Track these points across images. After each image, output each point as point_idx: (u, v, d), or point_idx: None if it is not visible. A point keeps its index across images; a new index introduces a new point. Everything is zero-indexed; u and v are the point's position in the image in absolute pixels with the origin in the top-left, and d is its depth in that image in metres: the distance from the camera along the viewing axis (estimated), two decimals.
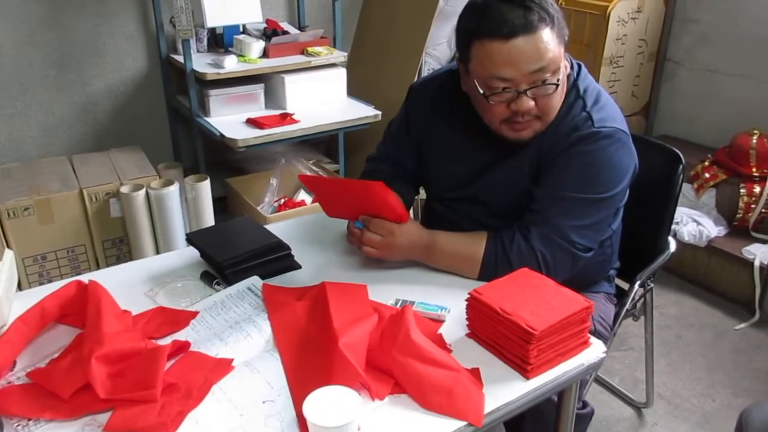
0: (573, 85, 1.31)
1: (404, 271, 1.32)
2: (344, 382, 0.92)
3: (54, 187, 2.36)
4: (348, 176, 3.04)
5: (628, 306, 1.62)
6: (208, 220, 2.50)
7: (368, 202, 1.27)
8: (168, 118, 3.06)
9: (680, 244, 2.55)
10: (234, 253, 1.29)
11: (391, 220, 1.28)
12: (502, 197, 1.36)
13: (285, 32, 2.92)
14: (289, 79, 2.71)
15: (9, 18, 2.58)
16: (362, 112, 2.76)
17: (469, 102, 1.33)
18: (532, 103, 1.23)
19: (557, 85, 1.22)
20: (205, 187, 2.45)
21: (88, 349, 0.99)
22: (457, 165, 1.41)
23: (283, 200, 2.76)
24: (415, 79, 2.81)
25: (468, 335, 1.12)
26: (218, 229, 1.49)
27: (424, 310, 1.16)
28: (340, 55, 2.86)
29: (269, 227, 1.43)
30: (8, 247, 2.26)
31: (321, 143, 3.33)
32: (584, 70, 1.35)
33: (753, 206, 2.56)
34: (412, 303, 1.17)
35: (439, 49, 3.06)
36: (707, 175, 2.70)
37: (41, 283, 2.35)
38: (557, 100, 1.26)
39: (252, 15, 2.69)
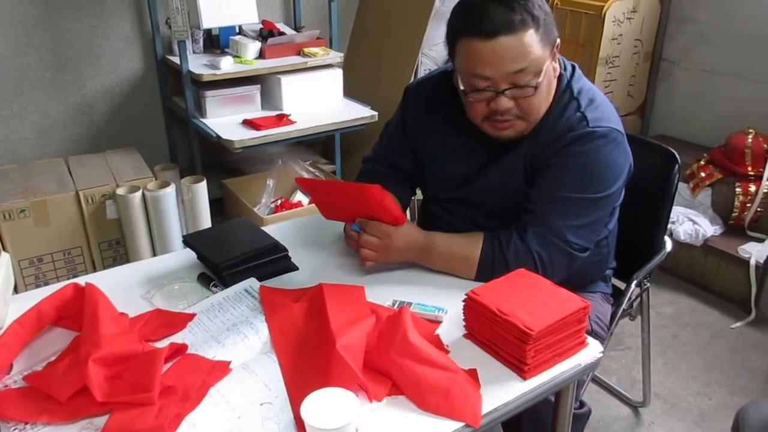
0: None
1: (401, 273, 1.32)
2: (342, 383, 0.92)
3: (50, 188, 2.35)
4: (344, 177, 3.04)
5: (624, 306, 1.62)
6: (205, 221, 2.50)
7: (365, 204, 1.27)
8: (164, 119, 3.06)
9: (676, 243, 2.55)
10: (231, 255, 1.29)
11: (388, 222, 1.28)
12: (497, 197, 1.36)
13: (281, 33, 2.92)
14: (285, 80, 2.71)
15: (4, 19, 2.58)
16: (358, 112, 2.76)
17: None
18: (510, 103, 1.23)
19: (536, 88, 1.22)
20: (202, 188, 2.45)
21: (85, 352, 0.99)
22: (452, 165, 1.41)
23: (279, 201, 2.76)
24: (412, 79, 2.82)
25: (465, 336, 1.12)
26: (215, 231, 1.49)
27: (421, 311, 1.16)
28: (336, 56, 2.86)
29: (266, 229, 1.43)
30: (4, 249, 2.25)
31: (317, 144, 3.33)
32: (578, 71, 1.35)
33: (748, 205, 2.57)
34: (410, 304, 1.17)
35: (435, 50, 3.06)
36: (703, 174, 2.71)
37: (38, 286, 2.33)
38: (539, 101, 1.26)
39: (248, 16, 2.68)
